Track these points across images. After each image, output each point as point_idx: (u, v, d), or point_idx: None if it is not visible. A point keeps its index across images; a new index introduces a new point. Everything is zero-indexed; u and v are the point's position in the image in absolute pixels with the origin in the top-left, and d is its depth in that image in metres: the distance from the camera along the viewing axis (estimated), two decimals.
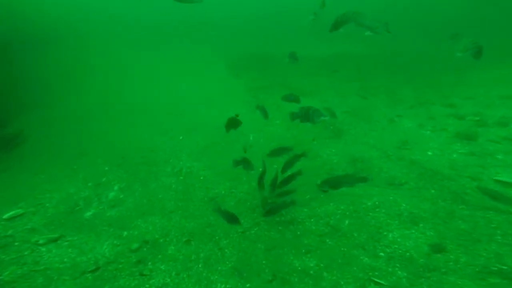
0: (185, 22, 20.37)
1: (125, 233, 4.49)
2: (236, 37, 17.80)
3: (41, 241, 4.34)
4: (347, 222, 4.47)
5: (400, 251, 3.67)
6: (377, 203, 4.65)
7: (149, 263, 3.98)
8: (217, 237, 4.51)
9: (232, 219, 4.00)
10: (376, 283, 3.29)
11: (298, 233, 4.42)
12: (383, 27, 4.38)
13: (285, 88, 9.83)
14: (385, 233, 4.08)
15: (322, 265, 3.84)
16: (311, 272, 3.73)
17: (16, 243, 4.39)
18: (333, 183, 4.02)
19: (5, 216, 4.91)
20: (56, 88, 10.46)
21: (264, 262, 3.99)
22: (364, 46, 14.83)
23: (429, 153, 5.83)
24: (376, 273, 3.45)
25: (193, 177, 5.88)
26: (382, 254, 3.76)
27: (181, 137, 7.16)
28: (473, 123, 6.79)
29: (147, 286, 3.67)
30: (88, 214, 4.87)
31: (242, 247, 4.26)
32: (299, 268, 3.85)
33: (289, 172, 4.84)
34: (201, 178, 5.84)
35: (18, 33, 11.78)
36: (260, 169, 5.29)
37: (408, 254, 3.58)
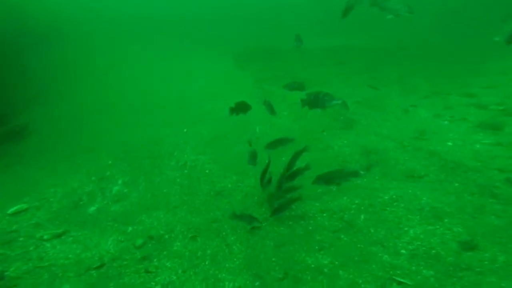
0: (191, 16, 20.06)
1: (130, 228, 4.31)
2: (243, 30, 17.42)
3: (46, 237, 4.20)
4: (362, 217, 4.17)
5: (424, 248, 3.36)
6: (394, 197, 4.34)
7: (155, 259, 3.79)
8: (224, 233, 4.28)
9: (251, 220, 4.00)
10: (400, 283, 3.00)
11: (310, 228, 4.15)
12: (404, 9, 4.23)
13: (292, 79, 9.47)
14: (405, 228, 3.77)
15: (337, 262, 3.57)
16: (326, 270, 3.47)
17: (21, 239, 4.26)
18: (325, 179, 3.92)
19: (10, 211, 4.80)
20: (62, 84, 10.37)
21: (274, 259, 3.75)
22: (370, 39, 14.25)
23: (449, 143, 5.45)
24: (398, 272, 3.16)
25: (198, 170, 5.65)
26: (403, 251, 3.46)
27: (185, 130, 6.93)
28: (497, 113, 6.34)
29: (152, 283, 3.47)
30: (92, 209, 4.70)
31: (251, 243, 4.02)
32: (312, 265, 3.60)
33: (294, 168, 4.57)
34: (207, 171, 5.61)
35: (25, 30, 11.73)
36: (266, 162, 5.03)
37: (433, 251, 3.27)
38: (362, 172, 4.94)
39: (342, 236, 3.94)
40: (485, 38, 13.31)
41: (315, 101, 3.67)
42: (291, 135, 6.25)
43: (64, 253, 3.93)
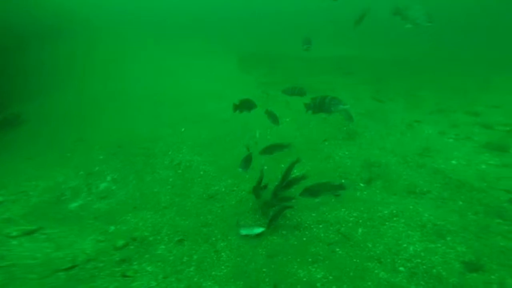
0: (198, 19, 20.29)
1: (112, 228, 4.07)
2: (250, 35, 17.56)
3: (14, 233, 3.92)
4: (360, 230, 3.94)
5: (424, 267, 3.13)
6: (395, 211, 4.12)
7: (135, 263, 3.53)
8: (213, 239, 4.04)
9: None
10: None
11: (304, 239, 3.92)
12: (424, 18, 4.04)
13: (296, 85, 9.39)
14: (404, 245, 3.54)
15: (330, 277, 3.32)
16: (318, 284, 3.22)
17: None
18: (313, 191, 3.76)
19: None
20: (63, 77, 10.29)
21: (264, 270, 3.50)
22: (378, 50, 14.32)
23: (453, 162, 5.27)
24: None
25: (193, 171, 5.45)
26: (402, 268, 3.22)
27: (183, 129, 6.77)
28: (503, 134, 6.19)
29: None
30: (74, 205, 4.47)
31: (241, 251, 3.78)
32: (304, 279, 3.35)
33: (291, 177, 4.38)
34: (201, 173, 5.41)
35: (30, 21, 11.76)
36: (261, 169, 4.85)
37: (434, 271, 3.03)
38: (362, 185, 4.74)
39: (338, 250, 3.70)
40: (493, 51, 13.35)
41: (321, 105, 3.48)
42: (293, 142, 6.08)
43: (31, 252, 3.62)
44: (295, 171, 5.33)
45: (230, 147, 6.11)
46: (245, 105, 4.33)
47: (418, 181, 4.74)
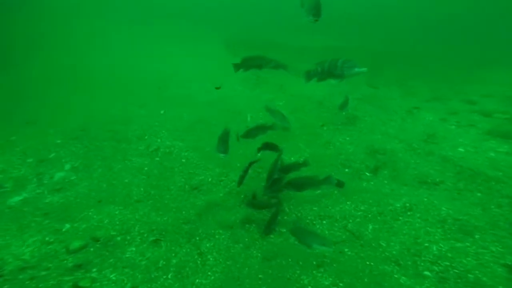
0: (186, 7, 18.75)
1: (67, 226, 3.22)
2: (239, 23, 16.45)
3: None
4: (370, 227, 3.39)
5: (456, 271, 2.62)
6: (408, 205, 3.61)
7: (94, 269, 2.74)
8: (197, 238, 3.32)
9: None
10: None
11: None
12: (309, 13, 3.46)
13: (289, 68, 8.69)
14: (426, 244, 3.03)
15: (341, 284, 2.75)
16: None
17: None
18: (297, 185, 3.34)
19: None
20: (21, 53, 8.85)
21: (260, 276, 2.86)
22: (362, 42, 13.86)
23: (461, 149, 4.87)
24: None
25: (173, 159, 4.64)
26: (427, 273, 2.70)
27: (162, 111, 5.88)
28: (503, 121, 5.91)
29: None
30: (15, 199, 3.52)
31: (232, 253, 3.10)
32: (309, 287, 2.74)
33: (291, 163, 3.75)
34: (183, 161, 4.62)
35: None
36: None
37: (471, 276, 2.53)
38: (368, 174, 4.20)
39: (346, 250, 3.14)
40: (475, 47, 13.62)
41: (331, 69, 2.77)
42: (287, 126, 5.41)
43: None
44: (292, 158, 4.70)
45: (217, 131, 5.31)
46: (252, 61, 3.50)
47: (428, 170, 4.27)
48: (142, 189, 4.07)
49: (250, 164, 4.00)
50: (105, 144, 4.80)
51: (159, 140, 5.04)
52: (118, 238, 3.21)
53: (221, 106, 6.12)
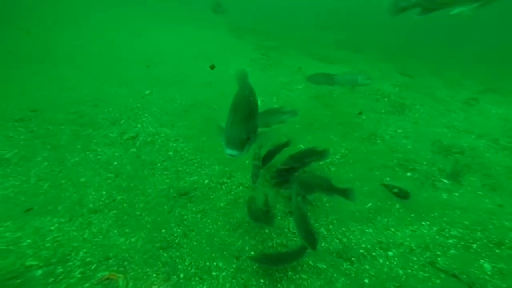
0: None
1: None
2: (249, 14, 15.15)
3: None
4: (488, 267, 2.00)
5: None
6: None
7: None
8: (181, 276, 1.98)
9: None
10: None
11: (366, 282, 1.93)
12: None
13: (303, 53, 7.35)
14: None
15: None
16: None
17: None
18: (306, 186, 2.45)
19: None
20: None
21: None
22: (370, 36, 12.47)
23: None
24: None
25: (156, 151, 3.27)
26: None
27: (148, 92, 4.51)
28: None
29: None
30: None
31: None
32: None
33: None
34: (170, 153, 3.24)
35: None
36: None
37: None
38: (445, 181, 2.79)
39: None
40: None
41: None
42: (312, 116, 4.04)
43: None
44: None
45: (218, 117, 3.95)
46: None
47: None
48: (104, 192, 2.69)
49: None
50: (62, 129, 3.42)
51: (139, 126, 3.66)
52: (38, 273, 1.82)
53: (223, 88, 4.76)
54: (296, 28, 11.68)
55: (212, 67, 4.56)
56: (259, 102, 4.38)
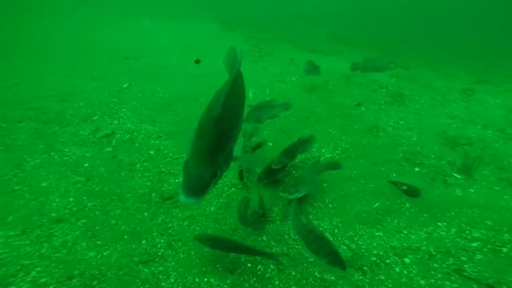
0: None
1: None
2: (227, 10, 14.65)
3: None
4: None
5: None
6: None
7: None
8: None
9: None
10: None
11: None
12: None
13: (295, 45, 7.05)
14: None
15: None
16: None
17: None
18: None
19: None
20: None
21: None
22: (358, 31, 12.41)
23: None
24: None
25: (135, 149, 2.86)
26: None
27: (126, 85, 4.05)
28: None
29: None
30: None
31: None
32: None
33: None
34: (151, 153, 2.84)
35: None
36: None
37: None
38: (457, 176, 2.56)
39: None
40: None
41: None
42: (306, 108, 3.74)
43: None
44: (323, 150, 3.03)
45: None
46: None
47: None
48: (71, 199, 2.27)
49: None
50: (20, 127, 2.94)
51: (115, 122, 3.23)
52: None
53: (211, 81, 4.37)
54: (289, 25, 11.40)
55: (197, 61, 4.17)
56: (250, 95, 4.05)
